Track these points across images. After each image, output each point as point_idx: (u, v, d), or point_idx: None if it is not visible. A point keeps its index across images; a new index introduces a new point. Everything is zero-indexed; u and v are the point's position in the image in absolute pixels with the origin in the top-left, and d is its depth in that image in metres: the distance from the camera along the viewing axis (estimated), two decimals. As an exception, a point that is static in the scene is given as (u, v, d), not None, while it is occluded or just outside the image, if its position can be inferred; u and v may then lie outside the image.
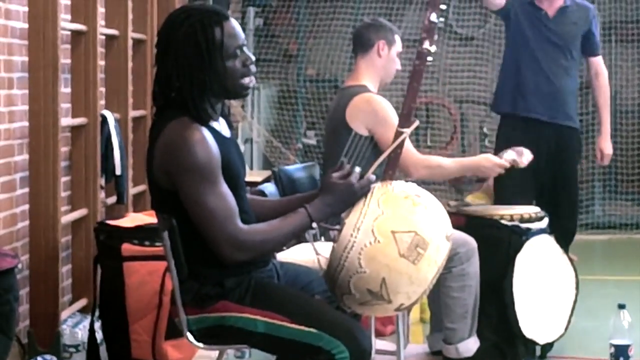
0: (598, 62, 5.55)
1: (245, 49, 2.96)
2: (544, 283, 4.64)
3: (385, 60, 4.48)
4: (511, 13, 5.49)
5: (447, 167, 4.43)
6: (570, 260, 4.77)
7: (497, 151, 5.58)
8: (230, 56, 2.91)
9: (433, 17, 3.16)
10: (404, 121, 3.15)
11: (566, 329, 4.68)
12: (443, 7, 3.16)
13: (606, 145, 5.59)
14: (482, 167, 4.48)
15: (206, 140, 2.83)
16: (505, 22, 5.61)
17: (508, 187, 5.21)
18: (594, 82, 5.56)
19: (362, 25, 4.62)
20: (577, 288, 4.73)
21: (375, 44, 4.46)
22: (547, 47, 5.44)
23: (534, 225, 4.60)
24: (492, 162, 4.48)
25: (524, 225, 4.55)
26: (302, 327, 2.86)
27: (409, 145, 4.32)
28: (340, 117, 4.37)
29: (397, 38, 4.53)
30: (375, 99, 4.37)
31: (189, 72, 2.87)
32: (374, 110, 4.32)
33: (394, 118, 4.27)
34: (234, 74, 2.92)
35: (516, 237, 4.54)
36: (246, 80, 2.95)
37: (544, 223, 4.67)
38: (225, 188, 2.85)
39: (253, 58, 2.98)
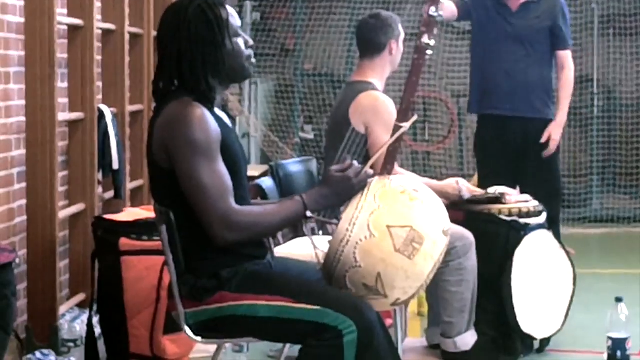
0: (563, 56, 5.47)
1: (244, 31, 3.04)
2: (541, 278, 4.64)
3: (395, 54, 4.50)
4: (473, 16, 5.56)
5: None
6: (568, 254, 4.77)
7: (476, 151, 5.70)
8: (235, 34, 2.98)
9: (432, 11, 3.16)
10: (403, 116, 3.15)
11: (563, 323, 4.69)
12: (442, 0, 3.16)
13: (555, 131, 5.45)
14: (447, 193, 4.46)
15: (206, 117, 2.86)
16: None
17: (489, 179, 5.26)
18: (558, 75, 5.49)
19: (368, 27, 4.51)
20: (574, 283, 4.73)
21: (387, 45, 4.46)
22: (507, 42, 5.46)
23: (533, 221, 4.60)
24: (458, 188, 4.45)
25: (522, 221, 4.56)
26: (306, 306, 2.84)
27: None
28: (343, 112, 4.37)
29: (400, 27, 4.53)
30: (381, 98, 4.36)
31: (202, 49, 2.91)
32: (376, 109, 4.31)
33: (391, 118, 4.26)
34: (241, 53, 2.99)
35: (514, 232, 4.54)
36: (248, 62, 3.02)
37: (542, 218, 4.67)
38: (221, 167, 2.86)
39: (251, 41, 3.04)
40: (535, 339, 4.64)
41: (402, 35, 4.52)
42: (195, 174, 2.82)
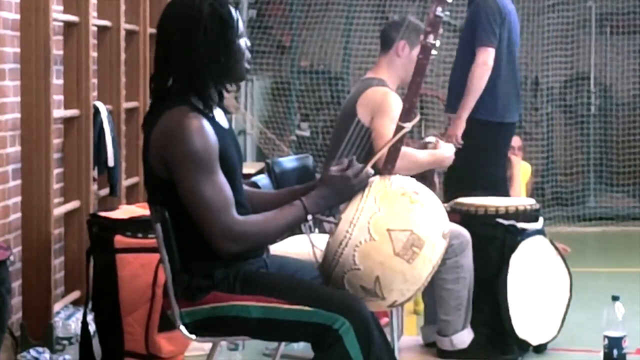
0: (478, 53, 5.45)
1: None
2: (537, 284, 4.63)
3: (405, 60, 4.46)
4: None
5: (420, 160, 4.38)
6: (565, 261, 4.75)
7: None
8: (241, 34, 2.95)
9: (439, 11, 3.13)
10: (406, 116, 3.13)
11: (559, 330, 4.68)
12: (449, 0, 3.13)
13: (451, 126, 5.53)
14: (447, 158, 4.47)
15: (204, 129, 2.83)
16: None
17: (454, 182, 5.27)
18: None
19: (389, 22, 4.65)
20: (571, 290, 4.73)
21: (396, 43, 4.45)
22: None
23: (530, 226, 4.59)
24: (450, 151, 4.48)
25: (519, 225, 4.55)
26: (296, 307, 2.84)
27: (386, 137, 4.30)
28: (351, 105, 4.37)
29: (421, 38, 4.50)
30: (388, 93, 4.35)
31: (216, 49, 2.87)
32: (380, 101, 4.30)
33: (394, 111, 4.26)
34: (243, 53, 2.96)
35: (511, 236, 4.54)
36: (247, 64, 2.99)
37: (540, 224, 4.66)
38: (222, 178, 2.84)
39: (249, 43, 3.02)
40: (531, 345, 4.63)
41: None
42: (196, 189, 2.80)
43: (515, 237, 4.54)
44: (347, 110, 4.41)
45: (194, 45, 2.87)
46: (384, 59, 4.50)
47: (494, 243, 4.53)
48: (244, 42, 2.97)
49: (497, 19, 5.47)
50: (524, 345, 4.59)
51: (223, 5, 2.91)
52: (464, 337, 4.42)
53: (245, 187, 3.09)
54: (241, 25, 2.96)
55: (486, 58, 5.42)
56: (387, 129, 4.25)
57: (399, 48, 4.45)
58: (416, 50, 4.44)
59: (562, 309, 4.70)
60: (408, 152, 4.32)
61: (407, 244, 2.86)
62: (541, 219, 4.71)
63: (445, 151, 4.48)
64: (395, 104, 4.30)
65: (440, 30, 3.16)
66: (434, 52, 3.17)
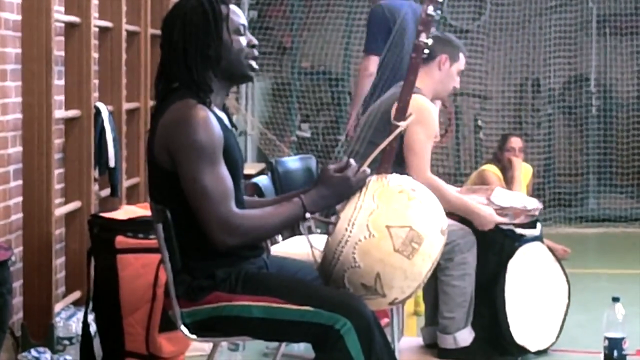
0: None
1: (248, 31, 3.02)
2: (535, 291, 4.64)
3: (445, 74, 4.46)
4: None
5: (447, 197, 4.30)
6: (563, 268, 4.75)
7: None
8: (235, 31, 2.97)
9: (430, 10, 3.15)
10: (400, 115, 3.14)
11: (558, 336, 4.68)
12: None
13: None
14: (481, 217, 4.40)
15: (210, 120, 2.85)
16: None
17: None
18: None
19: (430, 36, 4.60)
20: (569, 297, 4.73)
21: (438, 56, 4.43)
22: None
23: (528, 232, 4.59)
24: (492, 217, 4.41)
25: (517, 231, 4.55)
26: (298, 307, 2.84)
27: (426, 155, 4.29)
28: (387, 109, 4.29)
29: (462, 57, 4.51)
30: (424, 101, 4.32)
31: (195, 38, 2.90)
32: (418, 109, 4.26)
33: (433, 123, 4.26)
34: (241, 50, 2.97)
35: (509, 241, 4.54)
36: (252, 61, 3.00)
37: (538, 230, 4.66)
38: (224, 170, 2.86)
39: (256, 41, 3.02)
40: (529, 352, 4.62)
41: (461, 66, 4.50)
42: (198, 178, 2.81)
43: (513, 242, 4.55)
44: (382, 113, 4.33)
45: (175, 37, 2.91)
46: (422, 71, 4.44)
47: (492, 247, 4.54)
48: (243, 39, 2.98)
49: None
50: (522, 350, 4.59)
51: (211, 2, 2.94)
52: (465, 335, 4.43)
53: (247, 198, 3.11)
54: (238, 22, 2.97)
55: (364, 65, 5.69)
56: (419, 139, 4.24)
57: (440, 61, 4.44)
58: (455, 66, 4.47)
59: (560, 315, 4.70)
60: (436, 180, 4.30)
61: (406, 240, 2.87)
62: (539, 225, 4.71)
63: (484, 212, 4.41)
64: (429, 111, 4.28)
65: (433, 29, 3.19)
66: (426, 51, 3.19)
